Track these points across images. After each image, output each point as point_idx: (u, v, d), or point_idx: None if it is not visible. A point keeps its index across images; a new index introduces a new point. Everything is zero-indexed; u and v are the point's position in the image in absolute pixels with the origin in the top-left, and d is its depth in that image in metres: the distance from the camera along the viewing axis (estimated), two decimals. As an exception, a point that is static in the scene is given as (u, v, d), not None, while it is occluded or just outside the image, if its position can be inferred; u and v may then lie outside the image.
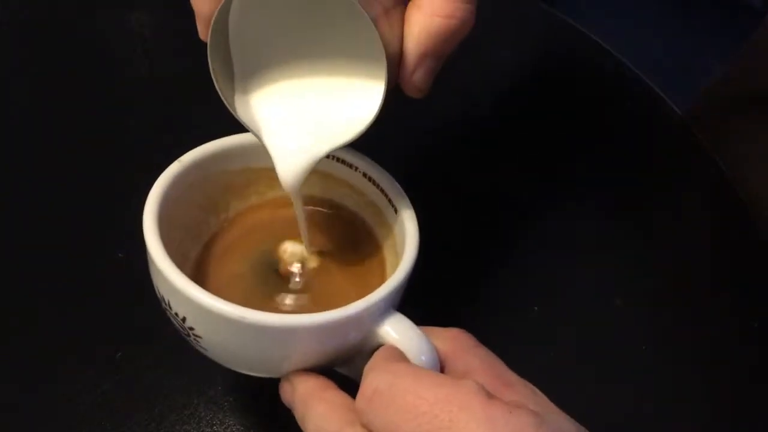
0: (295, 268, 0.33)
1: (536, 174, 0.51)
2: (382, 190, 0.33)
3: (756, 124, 0.56)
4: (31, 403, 0.35)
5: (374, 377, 0.24)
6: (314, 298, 0.32)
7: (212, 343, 0.28)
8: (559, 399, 0.26)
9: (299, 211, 0.32)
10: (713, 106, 0.62)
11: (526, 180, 0.51)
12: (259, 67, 0.30)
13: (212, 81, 0.29)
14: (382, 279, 0.32)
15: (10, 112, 0.49)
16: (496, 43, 0.61)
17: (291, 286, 0.33)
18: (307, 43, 0.30)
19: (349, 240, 0.35)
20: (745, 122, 0.57)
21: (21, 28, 0.55)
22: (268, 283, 0.33)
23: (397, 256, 0.31)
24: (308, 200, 0.36)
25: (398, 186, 0.32)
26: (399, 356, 0.27)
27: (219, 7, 0.27)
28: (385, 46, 0.26)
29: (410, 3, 0.28)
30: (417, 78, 0.28)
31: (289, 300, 0.32)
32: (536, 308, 0.42)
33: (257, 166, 0.34)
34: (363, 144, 0.32)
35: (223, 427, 0.35)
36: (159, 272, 0.27)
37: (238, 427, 0.35)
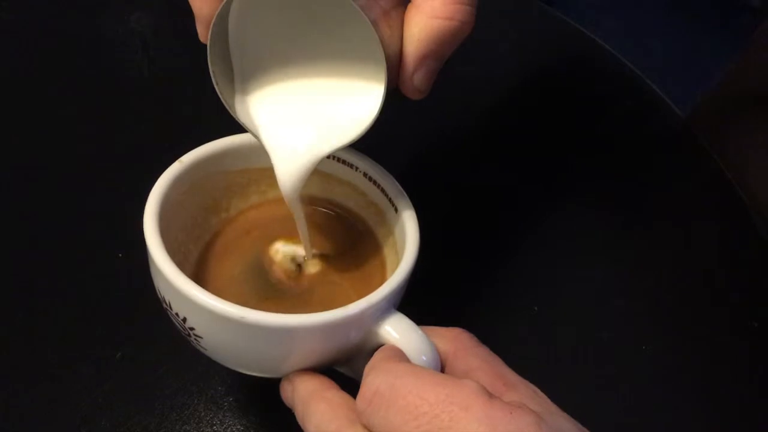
0: (296, 267, 0.33)
1: (536, 174, 0.51)
2: (382, 190, 0.33)
3: (756, 124, 0.56)
4: (31, 403, 0.35)
5: (375, 377, 0.24)
6: (315, 297, 0.32)
7: (213, 343, 0.28)
8: (559, 399, 0.26)
9: (299, 216, 0.32)
10: (713, 106, 0.62)
11: (526, 180, 0.51)
12: (259, 68, 0.30)
13: (212, 82, 0.29)
14: (382, 279, 0.32)
15: (10, 111, 0.49)
16: (496, 43, 0.61)
17: (292, 285, 0.33)
18: (306, 44, 0.30)
19: (349, 240, 0.35)
20: (745, 122, 0.57)
21: (21, 29, 0.55)
22: (268, 282, 0.33)
23: (398, 256, 0.31)
24: (309, 200, 0.36)
25: (399, 186, 0.32)
26: (400, 356, 0.27)
27: (219, 9, 0.27)
28: (385, 48, 0.26)
29: (410, 4, 0.28)
30: (417, 80, 0.28)
31: (289, 300, 0.32)
32: (536, 308, 0.42)
33: (258, 166, 0.34)
34: (364, 144, 0.32)
35: (223, 427, 0.35)
36: (159, 273, 0.27)
37: (238, 427, 0.35)
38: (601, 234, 0.48)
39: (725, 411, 0.40)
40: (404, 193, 0.32)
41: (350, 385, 0.27)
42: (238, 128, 0.31)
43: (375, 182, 0.33)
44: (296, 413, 0.28)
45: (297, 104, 0.30)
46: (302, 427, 0.27)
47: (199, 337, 0.28)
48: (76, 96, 0.50)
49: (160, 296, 0.28)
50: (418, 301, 0.30)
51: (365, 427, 0.25)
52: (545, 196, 0.50)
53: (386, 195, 0.33)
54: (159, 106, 0.50)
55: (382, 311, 0.28)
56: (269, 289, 0.32)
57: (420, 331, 0.28)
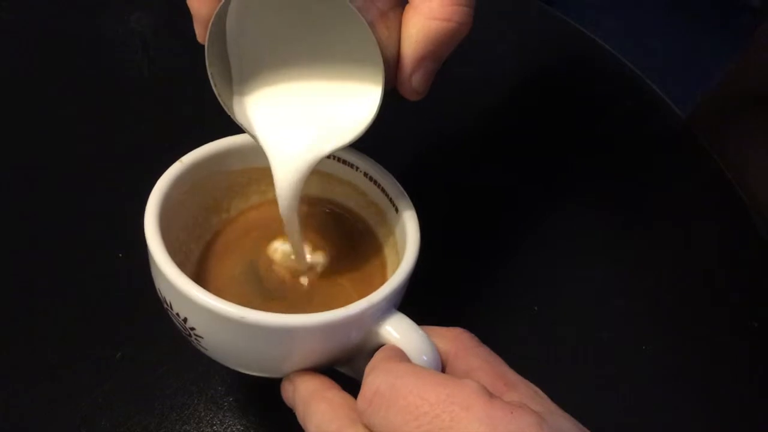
0: (296, 267, 0.33)
1: (536, 174, 0.51)
2: (383, 190, 0.33)
3: (756, 124, 0.56)
4: (31, 403, 0.35)
5: (375, 377, 0.24)
6: (315, 297, 0.32)
7: (213, 343, 0.28)
8: (559, 399, 0.26)
9: (293, 224, 0.31)
10: (713, 106, 0.62)
11: (526, 180, 0.51)
12: (257, 69, 0.30)
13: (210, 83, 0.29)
14: (383, 279, 0.32)
15: (10, 111, 0.49)
16: (496, 43, 0.61)
17: (292, 285, 0.33)
18: (304, 46, 0.30)
19: (350, 240, 0.35)
20: (745, 122, 0.57)
21: (21, 29, 0.55)
22: (269, 282, 0.33)
23: (398, 256, 0.31)
24: (309, 200, 0.36)
25: (399, 186, 0.32)
26: (400, 356, 0.27)
27: (216, 10, 0.27)
28: (382, 50, 0.26)
29: (407, 6, 0.28)
30: (415, 81, 0.28)
31: (290, 299, 0.32)
32: (536, 308, 0.42)
33: (258, 166, 0.34)
34: (364, 144, 0.32)
35: (223, 427, 0.35)
36: (160, 273, 0.27)
37: (238, 427, 0.35)
38: (601, 234, 0.48)
39: (725, 411, 0.40)
40: (405, 193, 0.32)
41: (351, 385, 0.27)
42: (238, 128, 0.31)
43: (375, 182, 0.33)
44: (297, 413, 0.28)
45: (295, 105, 0.30)
46: (303, 427, 0.27)
47: (200, 337, 0.28)
48: (76, 96, 0.50)
49: (160, 296, 0.28)
50: (419, 301, 0.30)
51: (366, 427, 0.25)
52: (545, 196, 0.50)
53: (387, 195, 0.33)
54: (159, 106, 0.50)
55: (382, 311, 0.28)
56: (270, 289, 0.32)
57: (421, 331, 0.28)
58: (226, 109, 0.29)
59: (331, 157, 0.34)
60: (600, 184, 0.52)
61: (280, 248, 0.34)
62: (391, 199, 0.32)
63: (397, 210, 0.32)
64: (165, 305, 0.28)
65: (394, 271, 0.29)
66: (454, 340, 0.28)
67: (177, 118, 0.49)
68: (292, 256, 0.33)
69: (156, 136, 0.47)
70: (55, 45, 0.54)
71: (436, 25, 0.27)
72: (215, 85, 0.29)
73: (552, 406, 0.26)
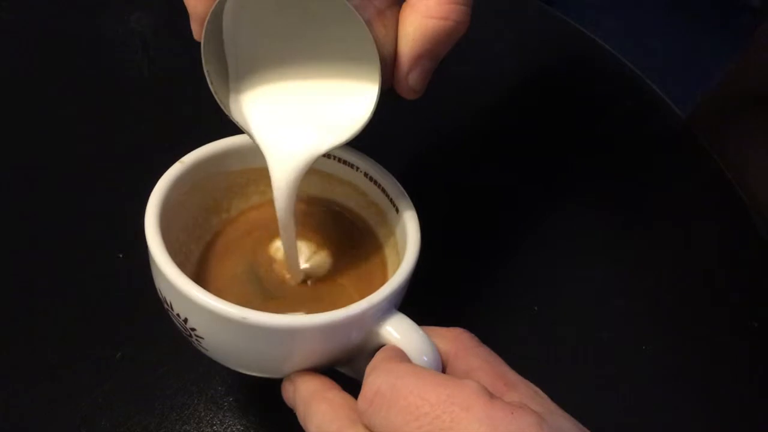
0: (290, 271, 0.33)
1: (536, 174, 0.51)
2: (383, 190, 0.33)
3: (756, 124, 0.56)
4: (31, 403, 0.35)
5: (376, 378, 0.24)
6: (316, 298, 0.32)
7: (214, 344, 0.28)
8: (559, 399, 0.26)
9: (289, 226, 0.31)
10: (713, 106, 0.62)
11: (527, 180, 0.51)
12: (254, 67, 0.30)
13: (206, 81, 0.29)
14: (383, 279, 0.32)
15: (10, 111, 0.49)
16: (495, 43, 0.61)
17: (292, 285, 0.33)
18: (301, 44, 0.30)
19: (350, 240, 0.35)
20: (745, 122, 0.57)
21: (21, 29, 0.55)
22: (270, 282, 0.33)
23: (399, 256, 0.31)
24: (309, 200, 0.36)
25: (400, 186, 0.32)
26: (401, 356, 0.27)
27: (213, 7, 0.27)
28: (379, 48, 0.26)
29: (404, 4, 0.28)
30: (412, 79, 0.28)
31: (290, 300, 0.32)
32: (536, 308, 0.42)
33: (258, 166, 0.34)
34: (365, 144, 0.32)
35: (223, 427, 0.35)
36: (161, 274, 0.27)
37: (238, 427, 0.35)
38: (601, 234, 0.48)
39: (725, 411, 0.40)
40: (405, 193, 0.32)
41: (351, 386, 0.27)
42: (238, 129, 0.31)
43: (376, 182, 0.33)
44: (298, 413, 0.28)
45: (291, 104, 0.30)
46: (304, 428, 0.27)
47: (201, 338, 0.28)
48: (76, 96, 0.50)
49: (161, 297, 0.28)
50: (419, 301, 0.30)
51: (366, 427, 0.25)
52: (545, 196, 0.50)
53: (387, 195, 0.33)
54: (159, 106, 0.50)
55: (383, 311, 0.28)
56: (270, 289, 0.32)
57: (421, 332, 0.28)
58: (222, 107, 0.29)
59: (332, 157, 0.34)
60: (600, 184, 0.52)
61: (280, 248, 0.34)
62: (391, 199, 0.32)
63: (397, 210, 0.32)
64: (165, 306, 0.28)
65: (394, 272, 0.29)
66: (455, 340, 0.28)
67: (177, 118, 0.49)
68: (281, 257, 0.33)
69: (156, 136, 0.47)
70: (55, 45, 0.54)
71: (433, 23, 0.27)
72: (211, 83, 0.29)
73: (552, 406, 0.26)
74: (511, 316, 0.42)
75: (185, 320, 0.27)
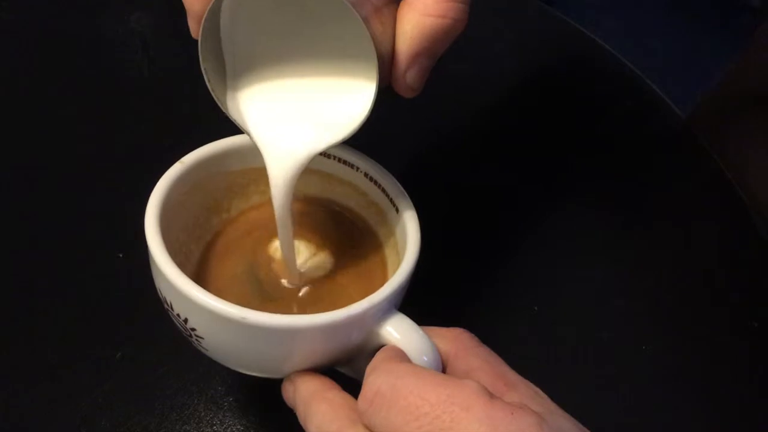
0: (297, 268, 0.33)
1: (536, 174, 0.51)
2: (383, 190, 0.33)
3: (756, 124, 0.56)
4: (31, 403, 0.35)
5: (376, 378, 0.24)
6: (316, 298, 0.32)
7: (214, 344, 0.28)
8: (559, 399, 0.26)
9: (285, 225, 0.30)
10: (713, 106, 0.62)
11: (527, 180, 0.51)
12: (251, 65, 0.30)
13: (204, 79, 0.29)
14: (383, 279, 0.32)
15: (10, 111, 0.49)
16: (495, 42, 0.61)
17: (293, 286, 0.33)
18: (298, 41, 0.30)
19: (350, 240, 0.35)
20: (745, 122, 0.57)
21: (21, 29, 0.55)
22: (270, 282, 0.33)
23: (399, 256, 0.31)
24: (310, 200, 0.36)
25: (400, 186, 0.32)
26: (401, 356, 0.27)
27: (210, 5, 0.27)
28: (376, 46, 0.26)
29: (402, 2, 0.27)
30: (409, 78, 0.28)
31: (290, 300, 0.32)
32: (536, 308, 0.42)
33: (258, 166, 0.34)
34: (365, 144, 0.32)
35: (223, 427, 0.35)
36: (161, 274, 0.27)
37: (238, 427, 0.35)
38: (601, 234, 0.48)
39: (725, 411, 0.40)
40: (405, 193, 0.32)
41: (351, 386, 0.27)
42: (238, 129, 0.31)
43: (376, 182, 0.33)
44: (298, 414, 0.28)
45: (289, 101, 0.30)
46: (304, 428, 0.27)
47: (201, 338, 0.28)
48: (76, 96, 0.50)
49: (161, 297, 0.28)
50: (419, 301, 0.30)
51: (367, 427, 0.25)
52: (545, 196, 0.50)
53: (387, 195, 0.33)
54: (159, 106, 0.50)
55: (383, 312, 0.28)
56: (270, 289, 0.32)
57: (421, 332, 0.28)
58: (219, 105, 0.29)
59: (332, 157, 0.34)
60: (600, 184, 0.52)
61: (279, 247, 0.34)
62: (391, 199, 0.32)
63: (397, 210, 0.32)
64: (166, 306, 0.28)
65: (394, 272, 0.29)
66: (455, 340, 0.28)
67: (177, 118, 0.49)
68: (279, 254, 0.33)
69: (156, 136, 0.47)
70: (55, 45, 0.54)
71: (431, 21, 0.27)
72: (209, 81, 0.29)
73: (552, 406, 0.26)
74: (511, 316, 0.42)
75: (185, 320, 0.27)
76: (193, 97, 0.38)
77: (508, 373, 0.27)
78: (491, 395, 0.23)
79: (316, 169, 0.35)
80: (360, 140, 0.29)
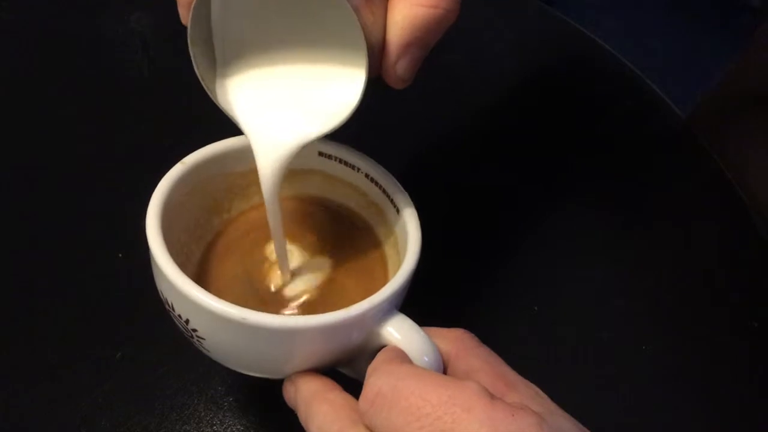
0: (296, 267, 0.33)
1: (536, 174, 0.51)
2: (383, 191, 0.33)
3: (756, 124, 0.56)
4: (31, 403, 0.35)
5: (377, 379, 0.24)
6: (316, 298, 0.32)
7: (215, 344, 0.28)
8: (559, 399, 0.26)
9: (275, 216, 0.30)
10: (713, 106, 0.62)
11: (527, 180, 0.51)
12: (241, 53, 0.30)
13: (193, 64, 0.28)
14: (384, 279, 0.32)
15: (10, 111, 0.49)
16: (496, 43, 0.61)
17: (293, 286, 0.33)
18: (289, 29, 0.30)
19: (351, 240, 0.35)
20: (745, 122, 0.57)
21: (21, 29, 0.55)
22: (271, 283, 0.33)
23: (399, 257, 0.31)
24: (310, 200, 0.36)
25: (400, 186, 0.32)
26: (402, 357, 0.27)
27: None
28: (367, 35, 0.25)
29: None
30: (400, 68, 0.27)
31: (292, 301, 0.32)
32: (536, 308, 0.42)
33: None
34: (365, 144, 0.32)
35: (223, 427, 0.35)
36: (162, 275, 0.27)
37: (238, 427, 0.35)
38: (601, 234, 0.48)
39: (725, 411, 0.40)
40: (405, 193, 0.32)
41: (352, 386, 0.27)
42: (239, 130, 0.30)
43: (376, 183, 0.33)
44: (299, 414, 0.28)
45: (278, 89, 0.30)
46: (305, 428, 0.27)
47: (202, 338, 0.28)
48: (76, 96, 0.50)
49: (162, 298, 0.28)
50: (419, 302, 0.30)
51: (368, 428, 0.25)
52: (545, 196, 0.50)
53: (387, 195, 0.33)
54: (159, 106, 0.50)
55: (384, 312, 0.28)
56: (272, 290, 0.32)
57: (422, 332, 0.28)
58: (208, 93, 0.29)
59: (332, 158, 0.34)
60: (600, 184, 0.52)
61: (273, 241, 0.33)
62: (391, 200, 0.32)
63: (397, 210, 0.32)
64: (167, 307, 0.28)
65: (395, 272, 0.29)
66: (455, 340, 0.28)
67: (177, 118, 0.49)
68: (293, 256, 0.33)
69: (156, 136, 0.47)
70: (55, 45, 0.54)
71: (422, 11, 0.26)
72: (197, 67, 0.28)
73: (552, 407, 0.26)
74: (511, 316, 0.42)
75: (187, 321, 0.27)
76: (193, 97, 0.38)
77: (509, 373, 0.27)
78: (492, 396, 0.23)
79: (317, 169, 0.35)
80: (360, 140, 0.29)
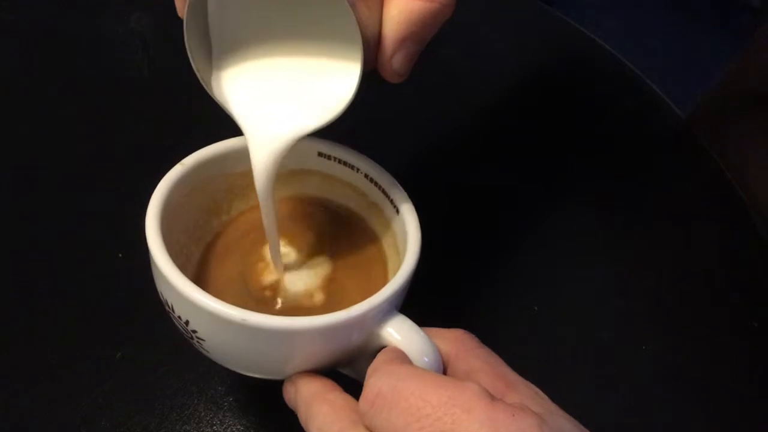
0: (296, 267, 0.33)
1: (536, 174, 0.51)
2: (383, 191, 0.33)
3: (756, 124, 0.56)
4: (31, 403, 0.35)
5: (377, 380, 0.24)
6: (316, 299, 0.32)
7: (215, 345, 0.28)
8: (559, 399, 0.26)
9: (269, 213, 0.30)
10: (713, 106, 0.62)
11: (527, 180, 0.51)
12: (237, 45, 0.30)
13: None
14: (384, 280, 0.32)
15: (10, 111, 0.49)
16: (495, 42, 0.61)
17: (293, 287, 0.33)
18: (285, 22, 0.30)
19: (350, 241, 0.35)
20: (745, 122, 0.57)
21: (21, 29, 0.55)
22: (270, 284, 0.33)
23: (399, 257, 0.31)
24: (310, 201, 0.36)
25: (400, 186, 0.32)
26: (402, 358, 0.27)
27: None
28: (362, 29, 0.25)
29: None
30: (396, 63, 0.27)
31: (292, 302, 0.32)
32: (536, 308, 0.42)
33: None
34: (365, 145, 0.32)
35: (223, 427, 0.35)
36: (162, 276, 0.27)
37: (238, 427, 0.35)
38: (601, 234, 0.48)
39: (725, 411, 0.40)
40: (405, 193, 0.32)
41: (353, 387, 0.27)
42: (239, 129, 0.30)
43: (375, 183, 0.33)
44: (299, 415, 0.28)
45: (273, 83, 0.30)
46: (305, 429, 0.27)
47: (202, 339, 0.28)
48: (76, 96, 0.50)
49: (162, 299, 0.28)
50: (419, 302, 0.30)
51: (368, 428, 0.25)
52: (545, 196, 0.50)
53: (387, 196, 0.33)
54: (159, 106, 0.50)
55: (384, 313, 0.28)
56: (272, 291, 0.32)
57: (422, 333, 0.28)
58: (203, 85, 0.29)
59: (332, 158, 0.34)
60: (600, 184, 0.52)
61: (281, 249, 0.34)
62: (391, 200, 0.32)
63: (397, 211, 0.32)
64: (167, 308, 0.28)
65: (395, 272, 0.29)
66: (455, 341, 0.28)
67: (177, 118, 0.49)
68: (292, 256, 0.33)
69: (156, 136, 0.47)
70: (55, 45, 0.54)
71: (418, 6, 0.26)
72: (193, 59, 0.28)
73: (552, 407, 0.26)
74: (511, 316, 0.42)
75: (187, 322, 0.27)
76: (193, 98, 0.38)
77: (509, 373, 0.27)
78: (492, 397, 0.23)
79: (316, 170, 0.35)
80: (356, 135, 0.29)
